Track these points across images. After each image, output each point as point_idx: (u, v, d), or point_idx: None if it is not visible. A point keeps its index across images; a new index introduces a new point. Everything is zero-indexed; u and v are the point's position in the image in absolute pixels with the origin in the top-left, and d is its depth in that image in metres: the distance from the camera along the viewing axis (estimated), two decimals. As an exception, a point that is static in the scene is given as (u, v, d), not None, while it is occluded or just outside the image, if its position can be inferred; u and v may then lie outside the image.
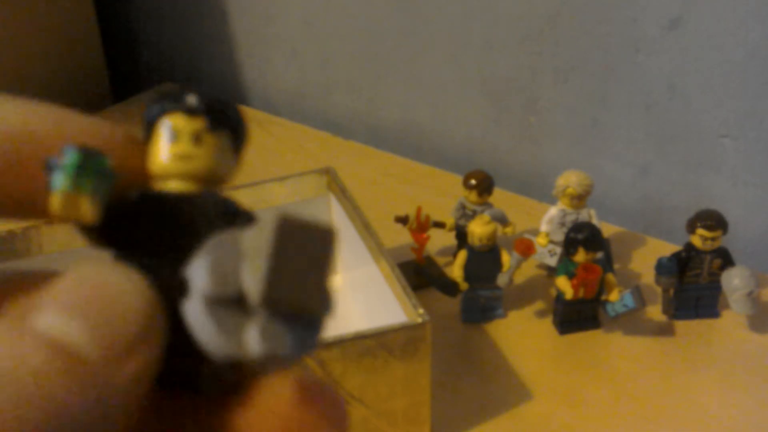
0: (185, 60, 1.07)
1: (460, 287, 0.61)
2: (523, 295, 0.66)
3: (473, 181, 0.65)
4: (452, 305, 0.64)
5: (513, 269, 0.61)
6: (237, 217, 0.17)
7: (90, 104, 0.99)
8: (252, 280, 0.14)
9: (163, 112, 0.16)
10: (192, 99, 0.16)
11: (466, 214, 0.67)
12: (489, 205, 0.66)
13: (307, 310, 0.14)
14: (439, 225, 0.67)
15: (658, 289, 0.63)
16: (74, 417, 0.12)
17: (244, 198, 0.61)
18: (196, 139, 0.16)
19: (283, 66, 0.97)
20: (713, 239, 0.60)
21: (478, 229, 0.60)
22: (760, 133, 0.69)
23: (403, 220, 0.65)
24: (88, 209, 0.15)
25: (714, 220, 0.60)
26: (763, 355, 0.60)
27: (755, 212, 0.72)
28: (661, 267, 0.61)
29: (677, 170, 0.75)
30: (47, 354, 0.12)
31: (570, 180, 0.63)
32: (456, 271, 0.61)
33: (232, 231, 0.15)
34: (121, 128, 0.16)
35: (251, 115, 0.95)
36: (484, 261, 0.61)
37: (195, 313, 0.14)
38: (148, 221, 0.16)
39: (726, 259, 0.61)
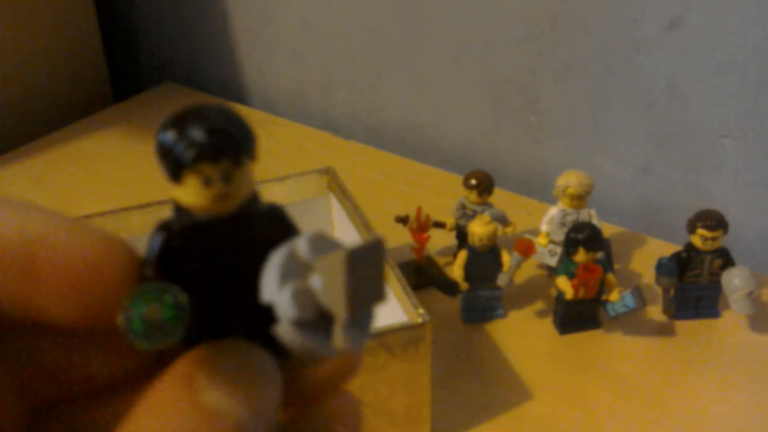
0: (185, 60, 1.07)
1: (460, 287, 0.61)
2: (523, 295, 0.66)
3: (473, 181, 0.65)
4: (452, 305, 0.64)
5: (513, 269, 0.61)
6: (277, 218, 0.19)
7: (90, 104, 1.00)
8: (334, 302, 0.17)
9: (189, 165, 0.17)
10: (214, 151, 0.17)
11: (466, 214, 0.67)
12: (489, 205, 0.66)
13: (374, 307, 0.18)
14: (439, 225, 0.67)
15: (658, 289, 0.62)
16: None
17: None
18: (226, 177, 0.18)
19: (283, 66, 0.97)
20: (713, 239, 0.60)
21: (478, 229, 0.60)
22: (760, 133, 0.69)
23: (403, 220, 0.65)
24: (174, 342, 0.17)
25: (714, 220, 0.60)
26: (763, 355, 0.60)
27: (755, 212, 0.72)
28: (661, 267, 0.61)
29: (677, 170, 0.75)
30: (218, 424, 0.17)
31: (570, 180, 0.63)
32: (456, 271, 0.61)
33: (287, 246, 0.18)
34: (116, 243, 0.18)
35: (251, 115, 0.95)
36: (484, 261, 0.61)
37: (288, 334, 0.17)
38: (206, 246, 0.18)
39: (726, 259, 0.61)
